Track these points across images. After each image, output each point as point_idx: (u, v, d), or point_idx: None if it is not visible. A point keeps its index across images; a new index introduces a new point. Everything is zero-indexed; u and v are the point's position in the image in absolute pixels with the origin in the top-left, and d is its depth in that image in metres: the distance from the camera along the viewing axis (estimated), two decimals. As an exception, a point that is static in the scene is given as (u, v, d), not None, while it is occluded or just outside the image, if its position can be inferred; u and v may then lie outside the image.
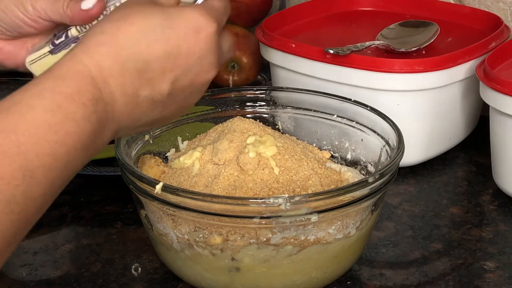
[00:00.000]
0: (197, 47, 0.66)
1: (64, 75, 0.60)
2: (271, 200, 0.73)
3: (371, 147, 0.89)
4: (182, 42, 0.65)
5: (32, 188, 0.56)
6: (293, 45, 1.05)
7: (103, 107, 0.61)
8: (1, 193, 0.54)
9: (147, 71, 0.64)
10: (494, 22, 1.11)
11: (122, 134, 0.67)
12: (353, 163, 0.92)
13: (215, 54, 0.67)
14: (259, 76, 1.27)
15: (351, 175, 0.86)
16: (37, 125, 0.57)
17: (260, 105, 0.96)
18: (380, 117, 0.88)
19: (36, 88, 0.59)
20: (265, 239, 0.76)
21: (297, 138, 0.92)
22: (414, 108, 1.02)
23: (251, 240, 0.76)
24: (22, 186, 0.55)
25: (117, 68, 0.62)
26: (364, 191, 0.76)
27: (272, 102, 0.96)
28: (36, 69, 0.73)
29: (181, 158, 0.86)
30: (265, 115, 0.96)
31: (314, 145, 0.93)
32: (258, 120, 0.89)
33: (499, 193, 0.99)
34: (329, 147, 0.94)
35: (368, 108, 0.90)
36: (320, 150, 0.92)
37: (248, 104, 0.96)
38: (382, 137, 0.87)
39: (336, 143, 0.93)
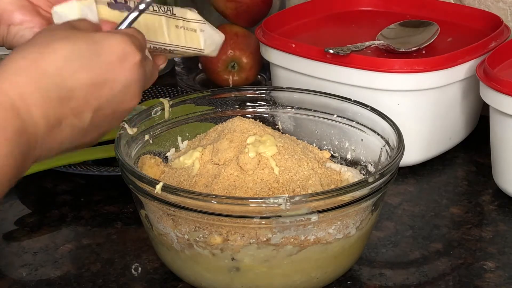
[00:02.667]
0: (122, 76, 0.65)
1: None
2: (271, 200, 0.73)
3: (371, 147, 0.89)
4: (107, 70, 0.64)
5: None
6: (293, 45, 1.05)
7: (27, 139, 0.60)
8: None
9: (70, 99, 0.62)
10: (494, 22, 1.11)
11: (42, 159, 0.64)
12: (353, 163, 0.92)
13: (139, 83, 0.67)
14: (259, 76, 1.27)
15: (351, 175, 0.86)
16: None
17: (260, 105, 0.96)
18: (380, 117, 0.88)
19: None
20: (265, 239, 0.76)
21: (297, 138, 0.92)
22: (414, 108, 1.02)
23: (251, 240, 0.76)
24: None
25: (40, 96, 0.60)
26: (364, 191, 0.76)
27: (272, 102, 0.96)
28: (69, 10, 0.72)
29: (181, 158, 0.86)
30: (265, 115, 0.96)
31: (314, 145, 0.93)
32: (258, 120, 0.89)
33: (499, 193, 0.99)
34: (329, 147, 0.94)
35: (368, 108, 0.90)
36: (320, 150, 0.92)
37: (248, 104, 0.96)
38: (382, 137, 0.87)
39: (336, 143, 0.93)
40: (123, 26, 0.71)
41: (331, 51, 1.00)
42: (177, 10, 0.80)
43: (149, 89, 1.19)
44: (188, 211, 0.75)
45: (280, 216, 0.74)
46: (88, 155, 1.01)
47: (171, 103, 0.90)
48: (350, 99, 0.91)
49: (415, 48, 1.06)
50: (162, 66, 0.77)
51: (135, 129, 0.86)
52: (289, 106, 0.95)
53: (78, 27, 0.66)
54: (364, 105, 0.90)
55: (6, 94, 0.59)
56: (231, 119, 0.88)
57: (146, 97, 1.18)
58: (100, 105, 0.64)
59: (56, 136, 0.63)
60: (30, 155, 0.61)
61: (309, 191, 0.81)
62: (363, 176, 0.88)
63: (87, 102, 0.63)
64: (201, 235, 0.77)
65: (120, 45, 0.65)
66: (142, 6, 0.71)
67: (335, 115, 0.93)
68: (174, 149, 0.92)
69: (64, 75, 0.62)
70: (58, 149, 0.64)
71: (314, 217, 0.75)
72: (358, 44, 1.03)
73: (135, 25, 0.72)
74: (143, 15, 0.73)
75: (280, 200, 0.73)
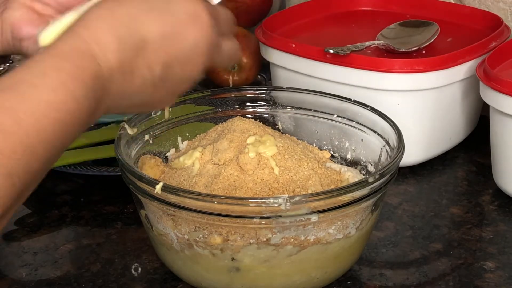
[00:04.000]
0: (192, 33, 0.66)
1: (66, 52, 0.60)
2: (271, 200, 0.73)
3: (371, 147, 0.89)
4: (178, 25, 0.66)
5: (32, 163, 0.57)
6: (293, 45, 1.05)
7: (102, 84, 0.61)
8: (3, 166, 0.55)
9: (143, 49, 0.64)
10: (494, 22, 1.11)
11: (111, 112, 0.66)
12: (353, 163, 0.92)
13: (207, 44, 0.68)
14: (259, 76, 1.27)
15: (351, 175, 0.86)
16: (39, 103, 0.57)
17: (260, 105, 0.95)
18: (380, 117, 0.88)
19: (39, 66, 0.59)
20: (265, 239, 0.76)
21: (297, 138, 0.92)
22: (414, 108, 1.02)
23: (251, 240, 0.76)
24: (23, 160, 0.56)
25: (117, 43, 0.62)
26: (364, 191, 0.76)
27: (272, 102, 0.96)
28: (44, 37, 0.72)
29: (181, 158, 0.86)
30: (265, 115, 0.96)
31: (314, 145, 0.93)
32: (258, 120, 0.89)
33: (499, 193, 0.99)
34: (329, 147, 0.94)
35: (368, 108, 0.90)
36: (320, 150, 0.92)
37: (248, 104, 0.95)
38: (382, 137, 0.87)
39: (336, 143, 0.93)
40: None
41: (331, 51, 1.00)
42: None
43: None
44: (188, 211, 0.75)
45: (280, 216, 0.74)
46: (88, 155, 1.01)
47: (171, 103, 0.90)
48: (350, 99, 0.91)
49: (415, 48, 1.06)
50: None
51: (135, 129, 0.86)
52: (289, 106, 0.95)
53: None
54: (364, 105, 0.90)
55: (84, 40, 0.61)
56: (231, 119, 0.88)
57: (146, 97, 1.18)
58: (169, 59, 0.66)
59: (129, 85, 0.64)
60: (102, 102, 0.62)
61: (309, 191, 0.81)
62: (363, 176, 0.88)
63: (157, 54, 0.65)
64: (201, 235, 0.77)
65: (192, 5, 0.66)
66: None
67: (335, 115, 0.93)
68: (174, 149, 0.92)
69: (137, 24, 0.64)
70: (129, 100, 0.65)
71: (314, 217, 0.75)
72: (358, 44, 1.03)
73: None
74: None
75: (280, 200, 0.73)
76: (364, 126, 0.90)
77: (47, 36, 0.73)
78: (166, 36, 0.65)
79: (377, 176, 0.77)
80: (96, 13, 0.63)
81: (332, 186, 0.84)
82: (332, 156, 0.93)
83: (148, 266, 0.86)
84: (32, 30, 0.76)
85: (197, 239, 0.77)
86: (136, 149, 0.87)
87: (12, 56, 0.87)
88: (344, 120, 0.92)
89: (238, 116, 0.89)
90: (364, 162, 0.91)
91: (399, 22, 1.12)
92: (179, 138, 0.92)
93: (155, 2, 0.65)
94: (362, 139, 0.91)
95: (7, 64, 0.87)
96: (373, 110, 0.89)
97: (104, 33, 0.62)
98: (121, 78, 0.63)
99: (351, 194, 0.76)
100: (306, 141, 0.93)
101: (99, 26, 0.62)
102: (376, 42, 1.06)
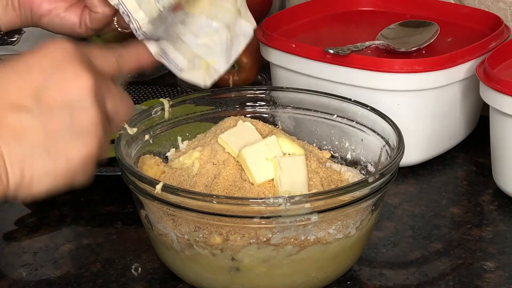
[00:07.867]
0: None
1: None
2: (271, 200, 0.73)
3: (371, 147, 0.89)
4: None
5: None
6: (293, 45, 1.05)
7: None
8: None
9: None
10: (494, 22, 1.11)
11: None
12: (353, 163, 0.92)
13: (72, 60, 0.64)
14: (259, 76, 1.27)
15: (351, 175, 0.86)
16: None
17: (260, 105, 0.95)
18: (380, 117, 0.88)
19: None
20: (265, 239, 0.76)
21: (297, 138, 0.92)
22: (414, 108, 1.02)
23: (251, 240, 0.76)
24: None
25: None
26: (364, 191, 0.76)
27: (272, 102, 0.96)
28: None
29: (181, 158, 0.86)
30: (265, 115, 0.95)
31: (314, 145, 0.93)
32: (258, 120, 0.89)
33: (499, 193, 0.99)
34: (329, 147, 0.94)
35: (368, 108, 0.90)
36: (320, 150, 0.92)
37: (248, 104, 0.95)
38: (382, 137, 0.87)
39: (336, 143, 0.93)
40: None
41: (331, 51, 1.01)
42: None
43: (149, 89, 1.19)
44: (188, 211, 0.75)
45: (280, 216, 0.74)
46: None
47: (171, 103, 0.90)
48: (350, 99, 0.91)
49: (415, 48, 1.06)
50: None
51: (135, 129, 0.86)
52: (289, 106, 0.95)
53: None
54: (364, 105, 0.90)
55: None
56: (225, 119, 0.88)
57: (146, 97, 1.18)
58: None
59: None
60: None
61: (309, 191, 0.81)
62: (363, 176, 0.88)
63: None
64: (201, 235, 0.77)
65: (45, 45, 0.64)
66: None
67: (335, 115, 0.93)
68: (174, 149, 0.92)
69: None
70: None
71: (314, 217, 0.75)
72: (358, 44, 1.03)
73: None
74: None
75: (280, 200, 0.73)
76: (364, 126, 0.90)
77: None
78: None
79: (377, 176, 0.77)
80: None
81: (332, 186, 0.84)
82: (332, 156, 0.93)
83: (148, 266, 0.87)
84: (49, 5, 0.81)
85: (197, 239, 0.77)
86: (136, 149, 0.87)
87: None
88: (344, 120, 0.92)
89: (238, 116, 0.89)
90: (364, 162, 0.91)
91: (399, 22, 1.12)
92: (179, 138, 0.92)
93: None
94: (362, 139, 0.91)
95: (20, 35, 0.90)
96: (373, 110, 0.89)
97: None
98: None
99: (351, 194, 0.76)
100: (306, 141, 0.93)
101: None
102: (376, 42, 1.06)
